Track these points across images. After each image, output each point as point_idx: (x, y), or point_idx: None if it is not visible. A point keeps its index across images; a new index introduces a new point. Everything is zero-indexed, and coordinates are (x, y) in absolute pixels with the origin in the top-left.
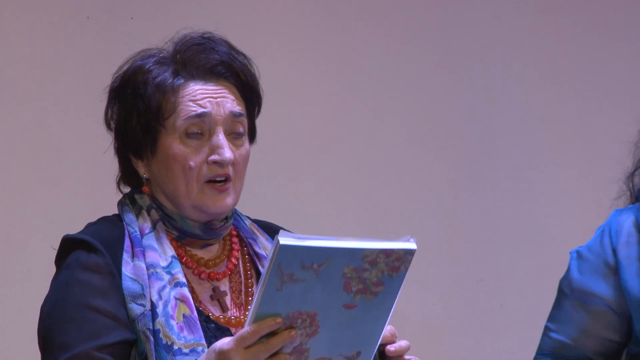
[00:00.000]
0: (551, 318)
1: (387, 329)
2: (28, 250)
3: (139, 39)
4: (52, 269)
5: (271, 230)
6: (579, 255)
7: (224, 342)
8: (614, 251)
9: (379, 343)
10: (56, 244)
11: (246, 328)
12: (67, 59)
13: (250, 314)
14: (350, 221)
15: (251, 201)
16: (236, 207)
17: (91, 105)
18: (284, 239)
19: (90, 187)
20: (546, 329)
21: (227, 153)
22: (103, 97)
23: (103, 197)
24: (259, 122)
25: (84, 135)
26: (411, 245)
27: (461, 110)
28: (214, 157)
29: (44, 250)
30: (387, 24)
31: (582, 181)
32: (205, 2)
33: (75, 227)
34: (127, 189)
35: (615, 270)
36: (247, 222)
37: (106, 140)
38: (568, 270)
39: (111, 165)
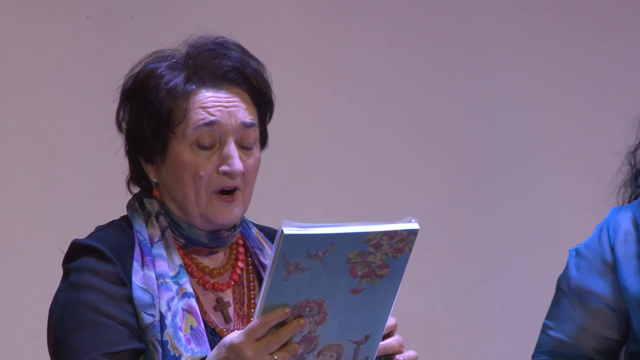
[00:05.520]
0: (549, 316)
1: (395, 339)
2: (28, 250)
3: (139, 39)
4: (52, 269)
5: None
6: (577, 253)
7: (234, 336)
8: (612, 249)
9: (386, 326)
10: (56, 244)
11: (255, 320)
12: (67, 58)
13: (258, 305)
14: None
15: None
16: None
17: (91, 105)
18: (288, 229)
19: (89, 187)
20: (544, 326)
21: (238, 164)
22: (103, 97)
23: (103, 198)
24: None
25: (83, 135)
26: (414, 225)
27: (461, 111)
28: (224, 167)
29: (44, 250)
30: (388, 26)
31: (582, 181)
32: (205, 1)
33: (74, 227)
34: (136, 189)
35: (613, 268)
36: (254, 230)
37: (105, 140)
38: (566, 268)
39: (111, 166)
